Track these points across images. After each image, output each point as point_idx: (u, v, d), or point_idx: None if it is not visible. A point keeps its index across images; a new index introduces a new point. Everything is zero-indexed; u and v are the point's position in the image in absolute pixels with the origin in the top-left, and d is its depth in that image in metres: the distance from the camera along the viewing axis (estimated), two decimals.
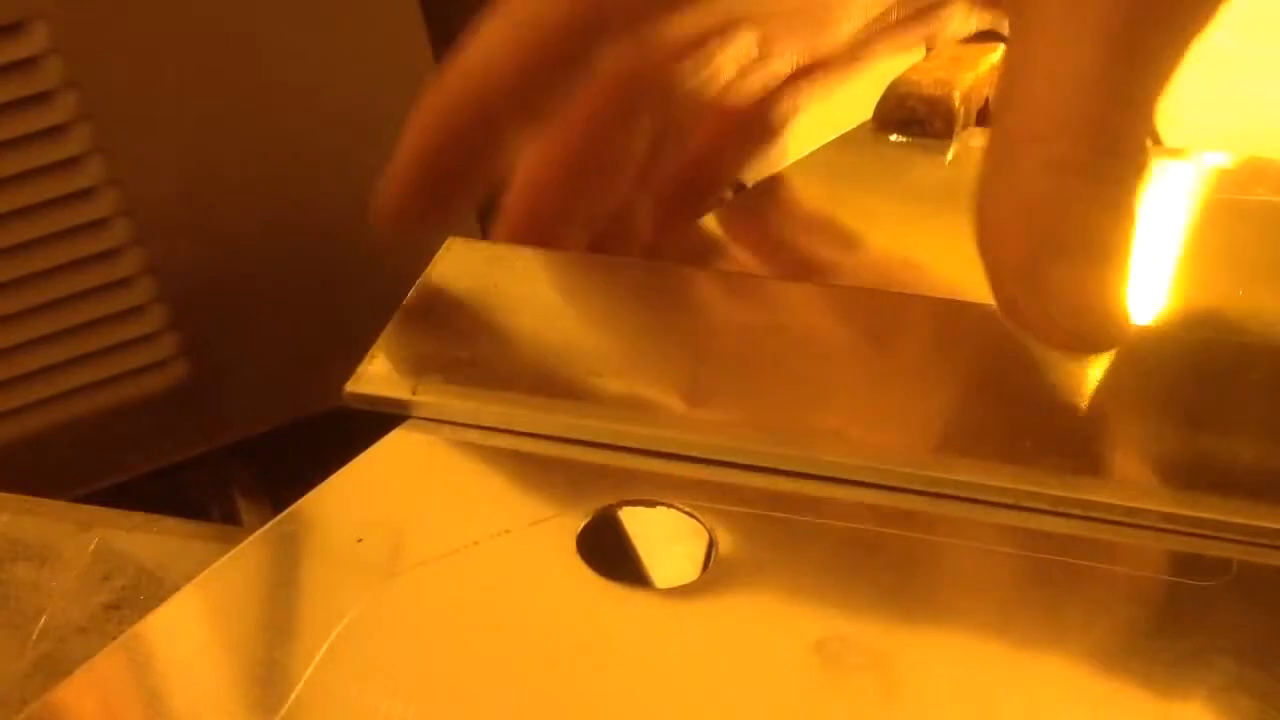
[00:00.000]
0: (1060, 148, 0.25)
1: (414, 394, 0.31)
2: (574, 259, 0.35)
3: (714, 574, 0.27)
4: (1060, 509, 0.28)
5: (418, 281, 0.34)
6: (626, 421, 0.30)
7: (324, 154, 0.42)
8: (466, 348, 0.32)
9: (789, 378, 0.31)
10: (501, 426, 0.30)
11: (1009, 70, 0.26)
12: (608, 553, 0.28)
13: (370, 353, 0.32)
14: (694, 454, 0.30)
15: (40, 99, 0.37)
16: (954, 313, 0.33)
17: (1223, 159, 0.42)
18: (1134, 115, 0.26)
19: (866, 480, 0.29)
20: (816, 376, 0.31)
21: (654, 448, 0.30)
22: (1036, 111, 0.26)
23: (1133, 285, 0.27)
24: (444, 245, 0.35)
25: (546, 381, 0.31)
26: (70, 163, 0.38)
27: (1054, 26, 0.25)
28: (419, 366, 0.31)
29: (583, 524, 0.28)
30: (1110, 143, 0.26)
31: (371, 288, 0.35)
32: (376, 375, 0.31)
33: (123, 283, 0.40)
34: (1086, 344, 0.28)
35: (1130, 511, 0.28)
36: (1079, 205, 0.26)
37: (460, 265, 0.34)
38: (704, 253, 0.38)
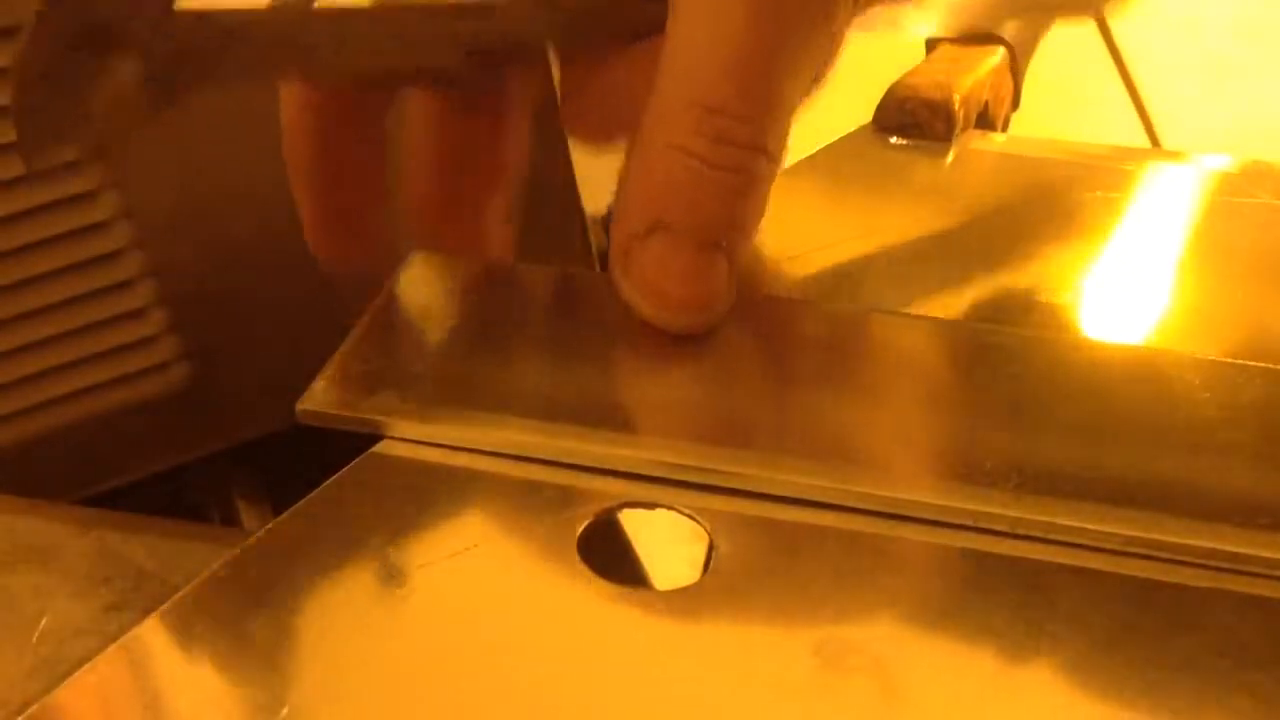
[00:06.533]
0: (685, 134, 0.26)
1: (367, 413, 0.31)
2: (538, 272, 0.35)
3: (714, 576, 0.27)
4: (1051, 536, 0.28)
5: (377, 297, 0.34)
6: (586, 441, 0.30)
7: None
8: (424, 364, 0.32)
9: (756, 396, 0.31)
10: (456, 445, 0.30)
11: (668, 49, 0.27)
12: (608, 554, 0.28)
13: (324, 369, 0.32)
14: (654, 474, 0.29)
15: None
16: (936, 331, 0.33)
17: (1222, 162, 0.42)
18: (766, 117, 0.27)
19: (844, 505, 0.29)
20: (777, 395, 0.31)
21: (612, 467, 0.29)
22: (678, 93, 0.27)
23: (741, 272, 0.28)
24: (407, 260, 0.35)
25: (507, 399, 0.31)
26: (71, 166, 0.38)
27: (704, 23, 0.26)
28: (373, 384, 0.31)
29: (583, 525, 0.28)
30: (740, 135, 0.27)
31: (372, 292, 0.35)
32: (329, 393, 0.31)
33: (123, 285, 0.40)
34: (663, 320, 0.29)
35: (1127, 540, 0.28)
36: (689, 188, 0.27)
37: (422, 280, 0.34)
38: None
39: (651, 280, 0.28)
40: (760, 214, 0.28)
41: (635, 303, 0.28)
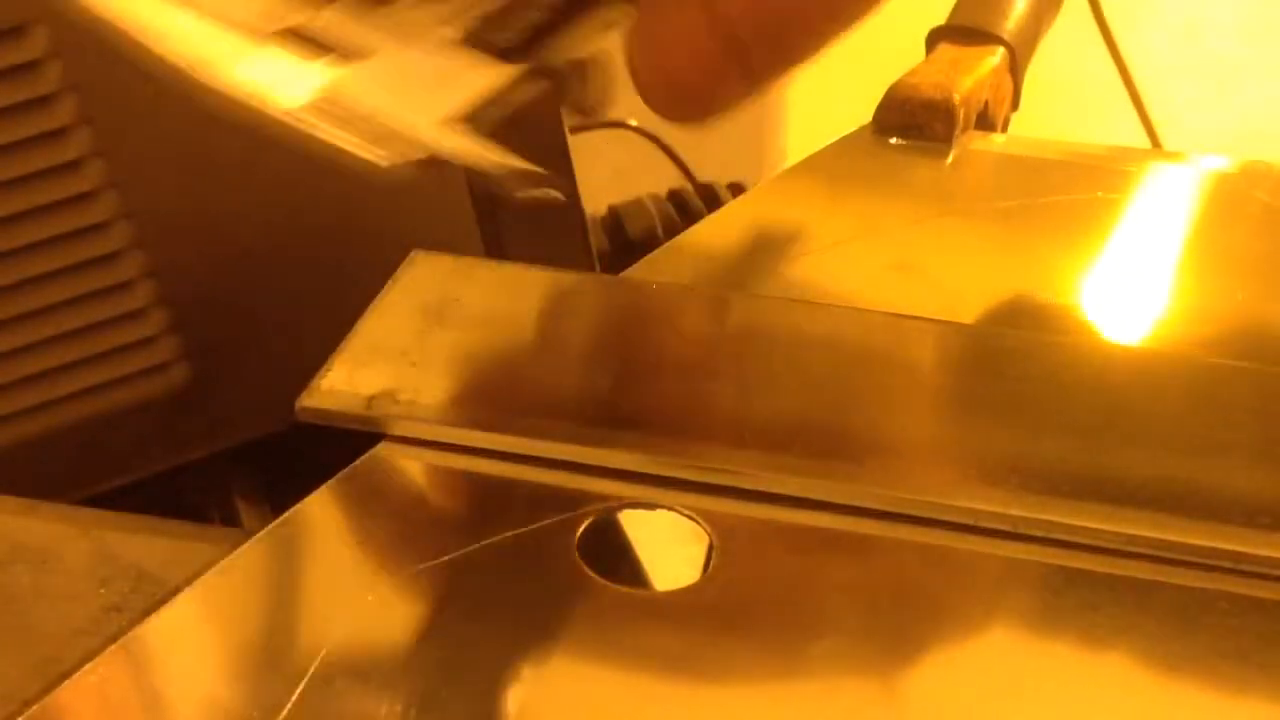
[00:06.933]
0: None
1: (368, 410, 0.31)
2: (537, 273, 0.35)
3: (714, 576, 0.27)
4: (1051, 535, 0.28)
5: (377, 296, 0.34)
6: (586, 441, 0.30)
7: (324, 158, 0.42)
8: (423, 363, 0.32)
9: (756, 397, 0.31)
10: (456, 445, 0.30)
11: None
12: (608, 554, 0.28)
13: (324, 368, 0.32)
14: (654, 474, 0.29)
15: (40, 103, 0.37)
16: (936, 333, 0.33)
17: (1221, 163, 0.42)
18: None
19: (844, 505, 0.29)
20: (777, 396, 0.31)
21: (612, 467, 0.30)
22: None
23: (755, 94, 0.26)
24: (407, 259, 0.35)
25: (507, 399, 0.31)
26: (70, 166, 0.38)
27: None
28: (374, 384, 0.31)
29: (583, 526, 0.28)
30: None
31: (372, 293, 0.35)
32: (329, 392, 0.31)
33: (123, 286, 0.40)
34: (653, 94, 0.26)
35: (1127, 539, 0.28)
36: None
37: (422, 279, 0.34)
38: (702, 255, 0.38)
39: (671, 53, 0.25)
40: (801, 63, 0.26)
41: (644, 62, 0.26)
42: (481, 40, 0.28)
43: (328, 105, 0.27)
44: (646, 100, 0.27)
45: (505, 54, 0.28)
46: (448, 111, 0.27)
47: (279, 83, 0.27)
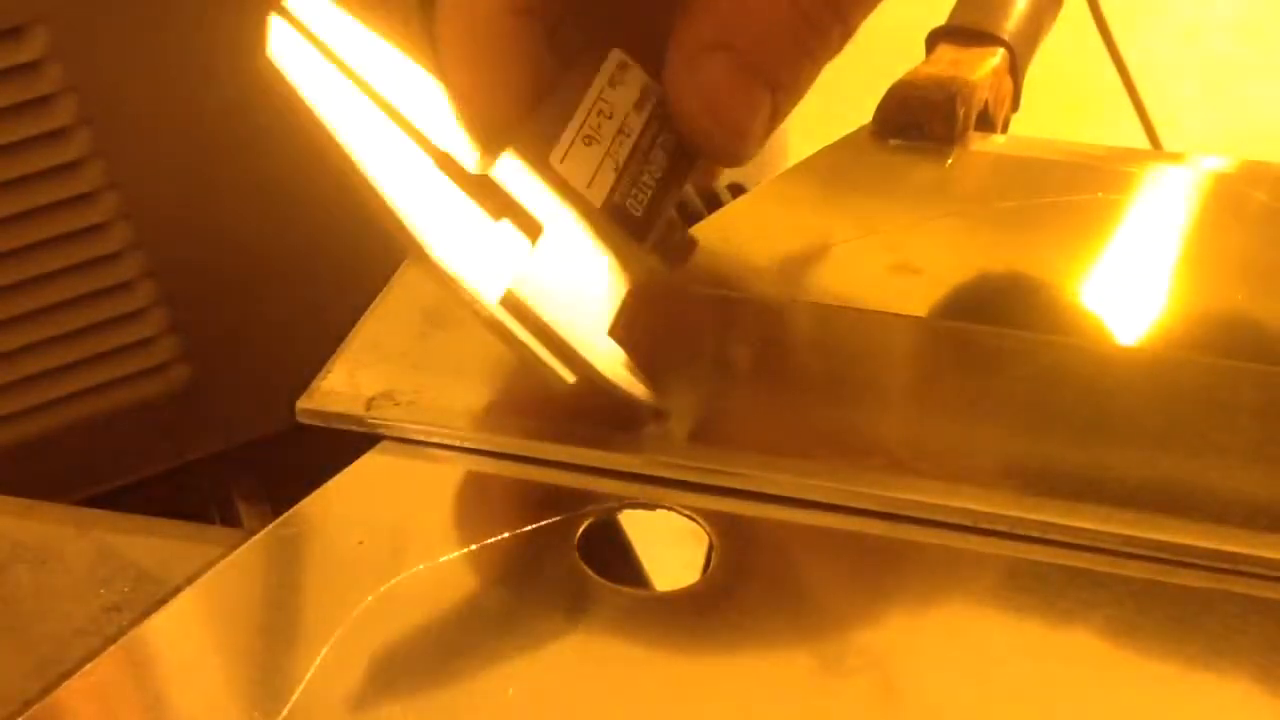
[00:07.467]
0: None
1: (368, 411, 0.31)
2: None
3: (714, 576, 0.27)
4: (1051, 536, 0.28)
5: (377, 298, 0.34)
6: (586, 442, 0.30)
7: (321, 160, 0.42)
8: (423, 364, 0.32)
9: (755, 397, 0.31)
10: (456, 445, 0.30)
11: None
12: (608, 554, 0.28)
13: (324, 369, 0.32)
14: (654, 474, 0.29)
15: (40, 103, 0.37)
16: (935, 333, 0.33)
17: (1220, 163, 0.42)
18: None
19: (844, 505, 0.29)
20: (777, 396, 0.31)
21: (612, 467, 0.30)
22: None
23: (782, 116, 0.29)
24: (405, 261, 0.35)
25: (506, 399, 0.31)
26: (70, 167, 0.38)
27: None
28: (373, 384, 0.31)
29: (583, 526, 0.28)
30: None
31: (372, 294, 0.35)
32: (329, 393, 0.31)
33: (123, 286, 0.41)
34: (707, 134, 0.29)
35: (1126, 540, 0.28)
36: (769, 25, 0.28)
37: (423, 280, 0.34)
38: (703, 255, 0.38)
39: (708, 93, 0.28)
40: (812, 81, 0.29)
41: (687, 109, 0.29)
42: (619, 211, 0.29)
43: (515, 308, 0.27)
44: (706, 151, 0.30)
45: (636, 225, 0.29)
46: (607, 320, 0.28)
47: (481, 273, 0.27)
